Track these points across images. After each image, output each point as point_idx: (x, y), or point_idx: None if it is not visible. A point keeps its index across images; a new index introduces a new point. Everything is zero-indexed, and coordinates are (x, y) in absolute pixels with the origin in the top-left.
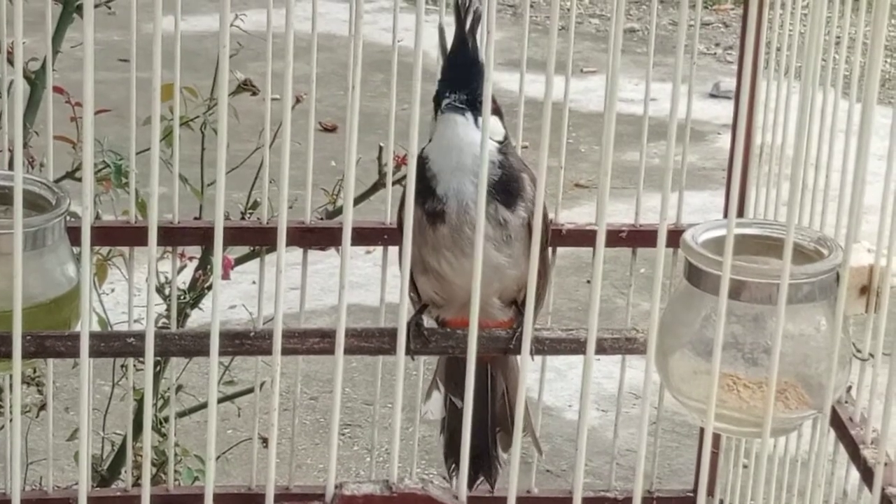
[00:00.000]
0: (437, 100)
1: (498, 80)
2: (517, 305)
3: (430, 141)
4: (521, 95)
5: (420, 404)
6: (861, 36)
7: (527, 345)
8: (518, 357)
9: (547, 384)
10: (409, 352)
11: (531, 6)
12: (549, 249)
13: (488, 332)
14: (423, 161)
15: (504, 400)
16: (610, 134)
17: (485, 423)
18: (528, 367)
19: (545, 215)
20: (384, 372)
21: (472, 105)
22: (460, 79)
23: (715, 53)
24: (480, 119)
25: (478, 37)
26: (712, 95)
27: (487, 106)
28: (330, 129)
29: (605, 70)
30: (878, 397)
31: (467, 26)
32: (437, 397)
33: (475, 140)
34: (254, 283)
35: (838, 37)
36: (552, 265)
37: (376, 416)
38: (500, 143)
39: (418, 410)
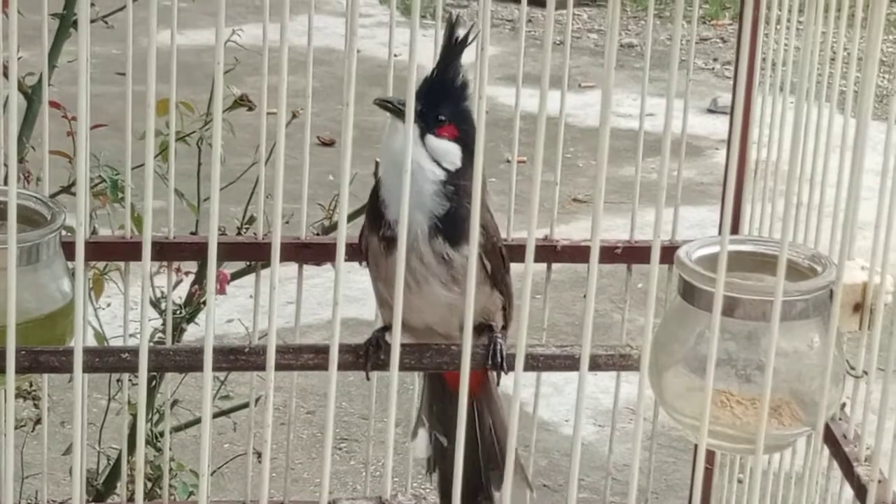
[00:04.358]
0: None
1: (496, 94)
2: (489, 328)
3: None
4: (516, 110)
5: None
6: (856, 52)
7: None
8: (498, 384)
9: (544, 399)
10: (364, 367)
11: (529, 21)
12: (509, 276)
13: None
14: (377, 183)
15: (492, 436)
16: (604, 152)
17: (476, 462)
18: (521, 386)
19: (499, 247)
20: (381, 386)
21: (426, 119)
22: (422, 90)
23: (713, 69)
24: (430, 137)
25: (462, 56)
26: (710, 111)
27: (410, 113)
28: (328, 144)
29: (603, 85)
30: (873, 413)
31: (453, 41)
32: (423, 435)
33: (419, 161)
34: (251, 297)
35: (833, 52)
36: (548, 279)
37: (372, 430)
38: (451, 172)
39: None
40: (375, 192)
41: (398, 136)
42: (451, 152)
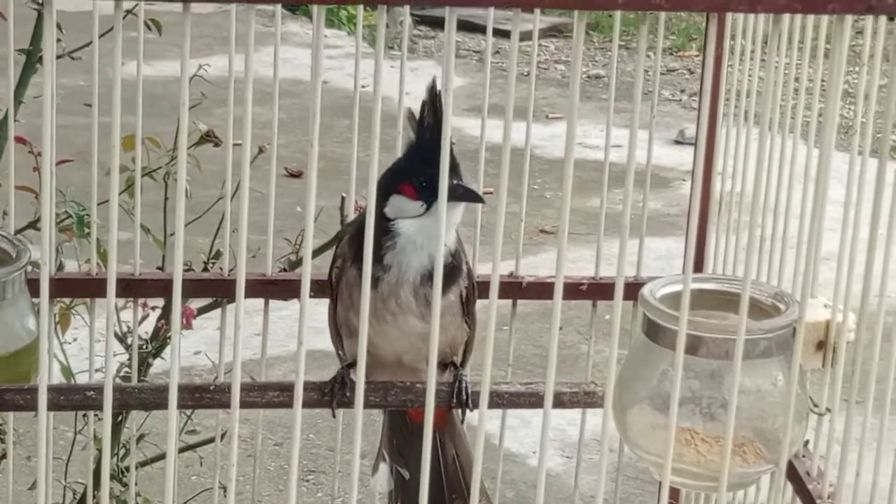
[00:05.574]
0: (429, 181)
1: (462, 125)
2: (453, 365)
3: (420, 215)
4: (482, 141)
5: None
6: (819, 83)
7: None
8: (463, 422)
9: (511, 431)
10: (330, 405)
11: (496, 52)
12: (475, 311)
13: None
14: (386, 225)
15: (455, 465)
16: (568, 187)
17: (440, 491)
18: (485, 423)
19: (474, 283)
20: (347, 419)
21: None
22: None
23: (680, 100)
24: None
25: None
26: (677, 142)
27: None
28: (295, 175)
29: (567, 116)
30: (838, 444)
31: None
32: (384, 469)
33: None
34: (218, 329)
35: (797, 82)
36: (513, 315)
37: (338, 463)
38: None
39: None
40: (381, 231)
41: (433, 221)
42: (460, 213)
